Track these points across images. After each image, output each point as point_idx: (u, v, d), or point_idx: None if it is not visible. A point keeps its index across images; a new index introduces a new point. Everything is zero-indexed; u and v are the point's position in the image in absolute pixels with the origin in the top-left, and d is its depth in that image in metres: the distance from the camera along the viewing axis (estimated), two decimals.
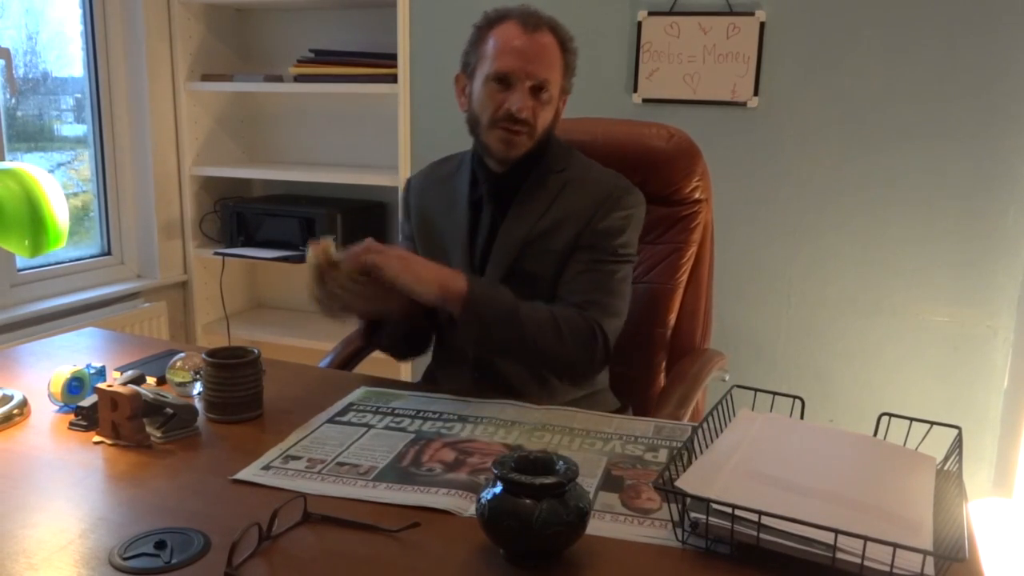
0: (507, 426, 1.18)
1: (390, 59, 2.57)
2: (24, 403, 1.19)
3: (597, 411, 1.27)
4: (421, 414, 1.22)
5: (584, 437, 1.15)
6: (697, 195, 1.65)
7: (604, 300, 1.36)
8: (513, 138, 1.37)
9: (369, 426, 1.17)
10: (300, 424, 1.17)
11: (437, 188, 1.52)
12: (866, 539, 0.78)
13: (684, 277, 1.65)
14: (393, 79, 2.56)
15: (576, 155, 1.48)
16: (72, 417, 1.15)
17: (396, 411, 1.23)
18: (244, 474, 1.01)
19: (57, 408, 1.21)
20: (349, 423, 1.18)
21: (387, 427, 1.17)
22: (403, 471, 1.03)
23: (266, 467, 1.03)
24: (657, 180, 1.61)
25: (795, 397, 1.15)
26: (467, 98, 1.43)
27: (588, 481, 1.01)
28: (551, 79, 1.37)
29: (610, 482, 1.01)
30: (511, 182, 1.43)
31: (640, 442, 1.14)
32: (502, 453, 1.07)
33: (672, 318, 1.65)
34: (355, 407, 1.24)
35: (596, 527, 0.89)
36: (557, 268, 1.39)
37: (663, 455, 1.09)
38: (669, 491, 0.87)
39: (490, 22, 1.40)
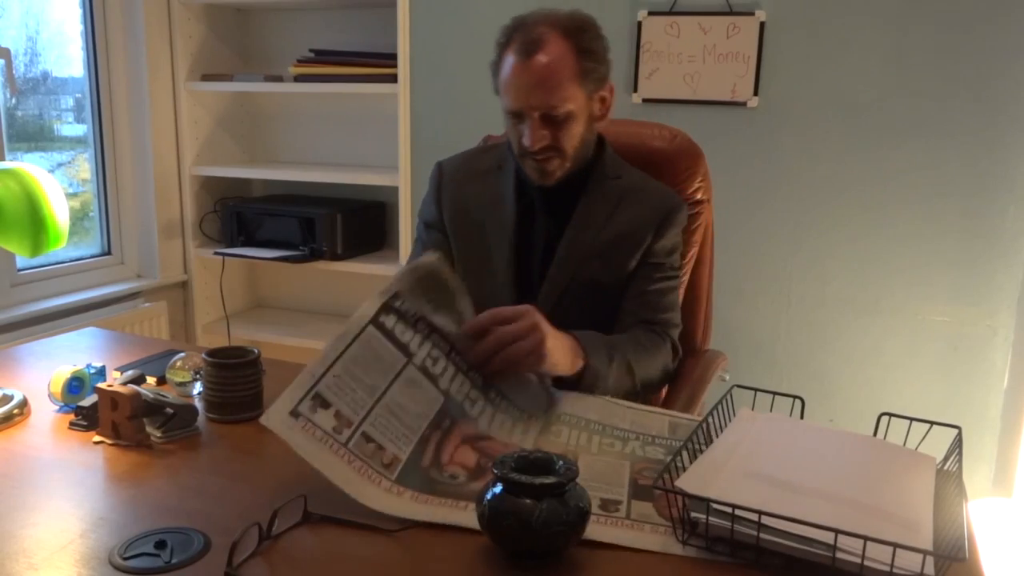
0: (524, 420, 1.14)
1: (390, 59, 2.57)
2: (24, 403, 1.19)
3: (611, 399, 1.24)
4: (454, 355, 1.13)
5: (602, 434, 1.13)
6: (699, 196, 1.65)
7: (669, 315, 1.45)
8: (543, 166, 1.37)
9: (409, 353, 1.07)
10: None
11: (478, 182, 1.50)
12: (866, 539, 0.78)
13: (685, 279, 1.65)
14: (393, 79, 2.56)
15: (625, 163, 1.49)
16: (72, 417, 1.15)
17: (433, 336, 1.12)
18: (271, 420, 0.93)
19: (57, 408, 1.21)
20: (392, 335, 1.07)
21: (423, 367, 1.08)
22: (426, 478, 0.99)
23: (295, 414, 0.95)
24: (659, 181, 1.61)
25: (795, 397, 1.15)
26: None
27: (618, 490, 0.99)
28: (560, 99, 1.31)
29: (639, 491, 0.99)
30: (564, 192, 1.43)
31: (659, 443, 1.11)
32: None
33: None
34: (404, 303, 1.10)
35: (638, 539, 0.88)
36: (622, 279, 1.43)
37: (685, 458, 1.07)
38: (669, 491, 0.87)
39: (501, 45, 1.35)
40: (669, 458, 1.06)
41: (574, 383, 1.26)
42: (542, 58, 1.29)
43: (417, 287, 1.13)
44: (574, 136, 1.36)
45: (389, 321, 1.08)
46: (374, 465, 0.97)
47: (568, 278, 1.42)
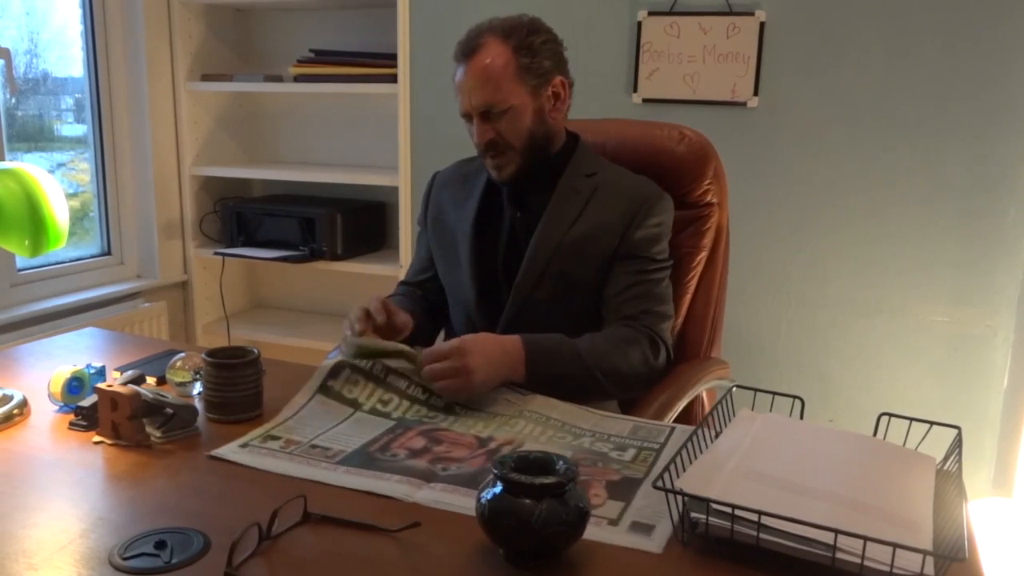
0: (487, 418, 1.19)
1: (390, 59, 2.57)
2: (24, 403, 1.19)
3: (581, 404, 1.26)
4: (411, 389, 1.23)
5: (557, 429, 1.16)
6: (709, 198, 1.60)
7: (654, 308, 1.43)
8: (496, 162, 1.43)
9: (357, 405, 1.19)
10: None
11: (456, 185, 1.58)
12: (866, 539, 0.78)
13: (693, 283, 1.61)
14: (393, 79, 2.56)
15: (605, 161, 1.52)
16: (72, 417, 1.15)
17: (389, 378, 1.23)
18: (222, 451, 1.05)
19: (57, 408, 1.21)
20: (340, 396, 1.20)
21: (372, 410, 1.19)
22: (368, 456, 1.05)
23: (244, 445, 1.06)
24: (667, 182, 1.55)
25: (795, 397, 1.15)
26: None
27: None
28: (499, 97, 1.38)
29: None
30: (531, 186, 1.46)
31: (611, 440, 1.13)
32: (471, 444, 1.10)
33: (678, 323, 1.61)
34: (348, 364, 1.24)
35: None
36: (597, 274, 1.44)
37: (630, 454, 1.09)
38: (669, 491, 0.87)
39: (455, 58, 1.43)
40: (615, 453, 1.09)
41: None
42: (478, 60, 1.38)
43: (360, 354, 1.25)
44: (520, 131, 1.41)
45: (336, 384, 1.22)
46: (318, 457, 1.05)
47: (538, 273, 1.43)
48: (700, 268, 1.63)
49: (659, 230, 1.46)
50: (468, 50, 1.39)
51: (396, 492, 0.95)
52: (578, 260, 1.43)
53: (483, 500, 0.83)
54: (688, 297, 1.63)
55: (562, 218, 1.44)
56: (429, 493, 0.95)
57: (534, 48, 1.40)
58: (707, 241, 1.62)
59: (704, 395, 1.59)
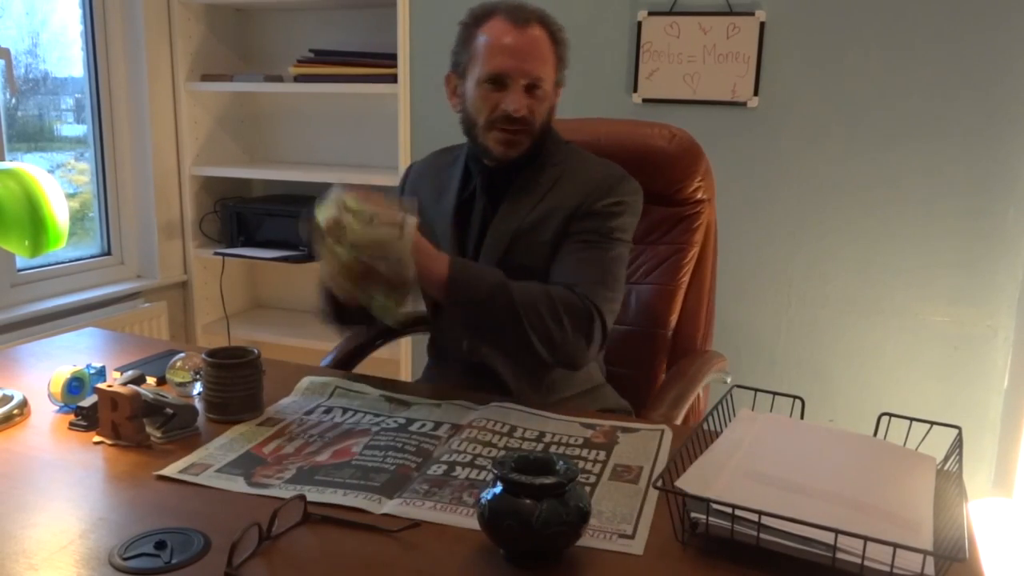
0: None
1: (390, 59, 2.57)
2: (24, 403, 1.19)
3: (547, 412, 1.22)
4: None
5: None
6: (700, 195, 1.64)
7: (598, 280, 1.33)
8: (512, 138, 1.35)
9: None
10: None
11: (432, 177, 1.53)
12: (866, 539, 0.78)
13: (686, 278, 1.64)
14: (393, 79, 2.56)
15: (572, 148, 1.46)
16: (72, 417, 1.15)
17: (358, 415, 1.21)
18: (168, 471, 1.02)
19: (57, 408, 1.21)
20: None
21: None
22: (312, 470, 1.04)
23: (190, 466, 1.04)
24: (659, 180, 1.60)
25: (795, 397, 1.15)
26: (460, 99, 1.40)
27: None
28: (544, 75, 1.35)
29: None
30: (505, 176, 1.41)
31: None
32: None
33: (673, 319, 1.64)
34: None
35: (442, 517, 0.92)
36: (548, 259, 1.37)
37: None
38: (669, 491, 0.87)
39: (477, 19, 1.36)
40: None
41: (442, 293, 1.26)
42: (533, 31, 1.34)
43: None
44: (542, 117, 1.38)
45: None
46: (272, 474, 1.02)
47: (494, 262, 1.36)
48: (692, 264, 1.65)
49: (617, 208, 1.38)
50: (520, 16, 1.33)
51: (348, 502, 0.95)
52: (531, 248, 1.37)
53: (483, 500, 0.83)
54: (681, 293, 1.65)
55: (519, 208, 1.39)
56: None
57: (564, 45, 1.39)
58: (698, 237, 1.65)
59: (701, 392, 1.60)
